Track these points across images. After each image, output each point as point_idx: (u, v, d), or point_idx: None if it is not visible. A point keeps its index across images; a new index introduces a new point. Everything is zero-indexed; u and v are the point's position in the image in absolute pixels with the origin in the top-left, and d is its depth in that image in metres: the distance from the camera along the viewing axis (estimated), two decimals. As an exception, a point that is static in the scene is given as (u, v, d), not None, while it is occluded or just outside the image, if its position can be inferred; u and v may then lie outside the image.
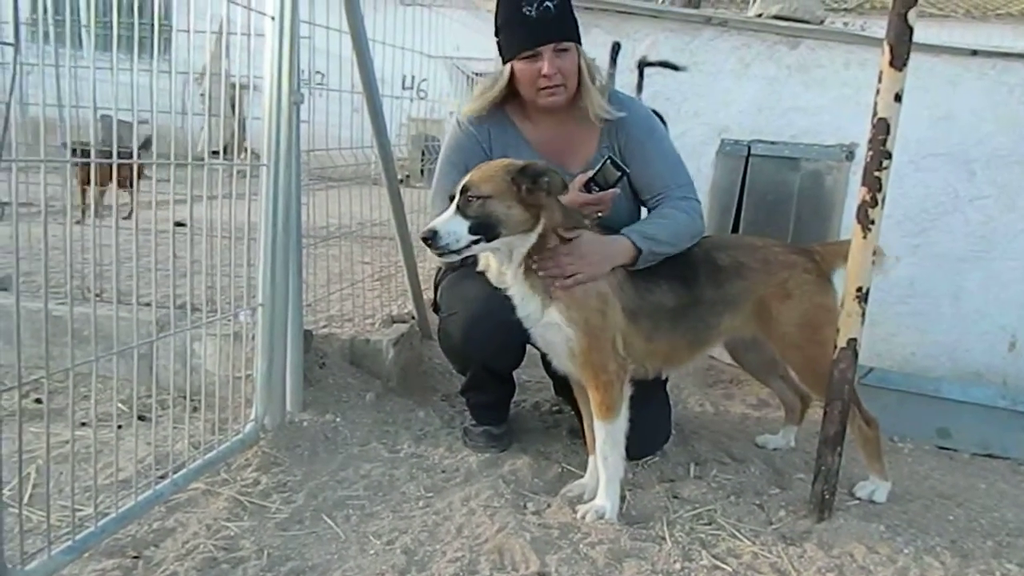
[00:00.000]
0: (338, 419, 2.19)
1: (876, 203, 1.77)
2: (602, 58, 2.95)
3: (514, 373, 2.21)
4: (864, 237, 1.79)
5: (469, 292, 1.99)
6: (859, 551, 1.72)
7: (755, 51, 2.95)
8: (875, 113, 1.74)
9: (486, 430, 2.16)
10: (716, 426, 2.50)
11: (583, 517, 1.78)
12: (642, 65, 2.98)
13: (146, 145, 3.49)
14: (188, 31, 1.83)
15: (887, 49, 1.71)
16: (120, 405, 2.09)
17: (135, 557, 1.53)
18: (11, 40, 1.30)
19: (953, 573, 1.67)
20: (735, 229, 3.02)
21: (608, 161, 1.91)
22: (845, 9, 11.55)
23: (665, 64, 2.98)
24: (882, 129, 1.74)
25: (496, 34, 2.00)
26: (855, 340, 1.81)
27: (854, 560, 1.69)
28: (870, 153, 1.76)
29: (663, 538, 1.73)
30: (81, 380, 2.07)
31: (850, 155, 2.91)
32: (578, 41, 1.97)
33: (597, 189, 1.92)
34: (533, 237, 1.75)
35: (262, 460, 1.95)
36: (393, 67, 2.72)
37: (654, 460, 2.15)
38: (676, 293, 1.89)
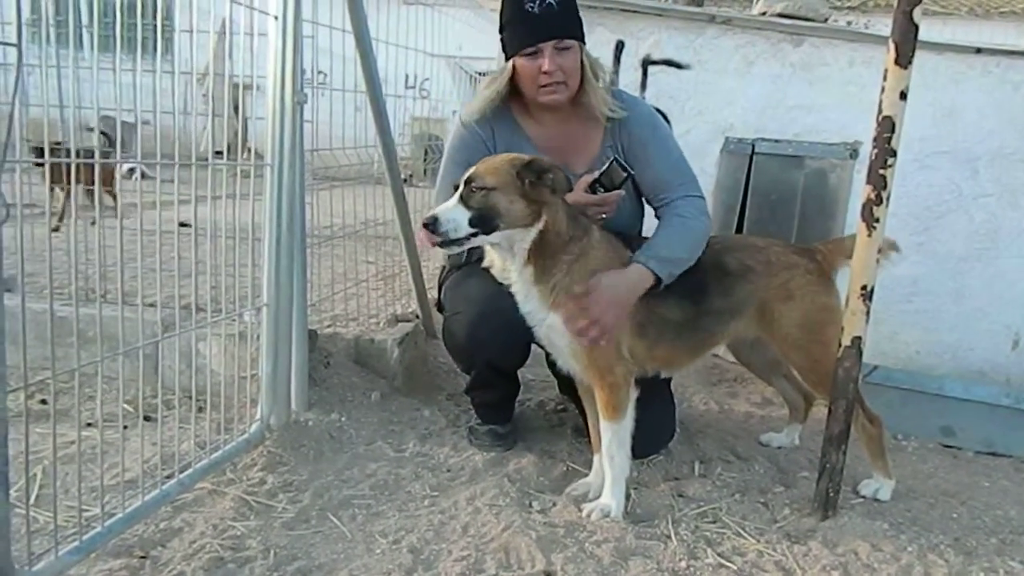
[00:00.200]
0: (343, 418, 2.20)
1: (881, 201, 1.77)
2: (606, 56, 2.95)
3: (519, 372, 2.21)
4: (869, 235, 1.78)
5: (473, 291, 1.99)
6: (863, 549, 1.72)
7: (759, 49, 2.95)
8: (880, 111, 1.73)
9: (491, 429, 2.16)
10: (721, 424, 2.50)
11: (589, 515, 1.79)
12: (646, 63, 2.98)
13: (111, 143, 3.47)
14: (191, 31, 1.83)
15: (892, 47, 1.71)
16: (125, 405, 2.09)
17: (142, 557, 1.53)
18: (13, 41, 1.30)
19: (957, 571, 1.67)
20: (739, 227, 3.01)
21: (613, 163, 1.90)
22: (849, 7, 11.52)
23: (669, 62, 2.98)
24: (887, 127, 1.73)
25: (500, 31, 2.00)
26: (859, 339, 1.81)
27: (858, 558, 1.70)
28: (875, 151, 1.75)
29: (668, 536, 1.74)
30: (86, 381, 2.07)
31: (854, 153, 2.91)
32: (581, 39, 1.97)
33: (602, 190, 1.91)
34: (533, 233, 1.75)
35: (268, 460, 1.95)
36: (396, 66, 2.73)
37: (659, 458, 2.15)
38: (683, 307, 1.89)
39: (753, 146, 2.98)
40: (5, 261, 1.20)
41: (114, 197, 3.74)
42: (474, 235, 1.70)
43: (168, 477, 1.72)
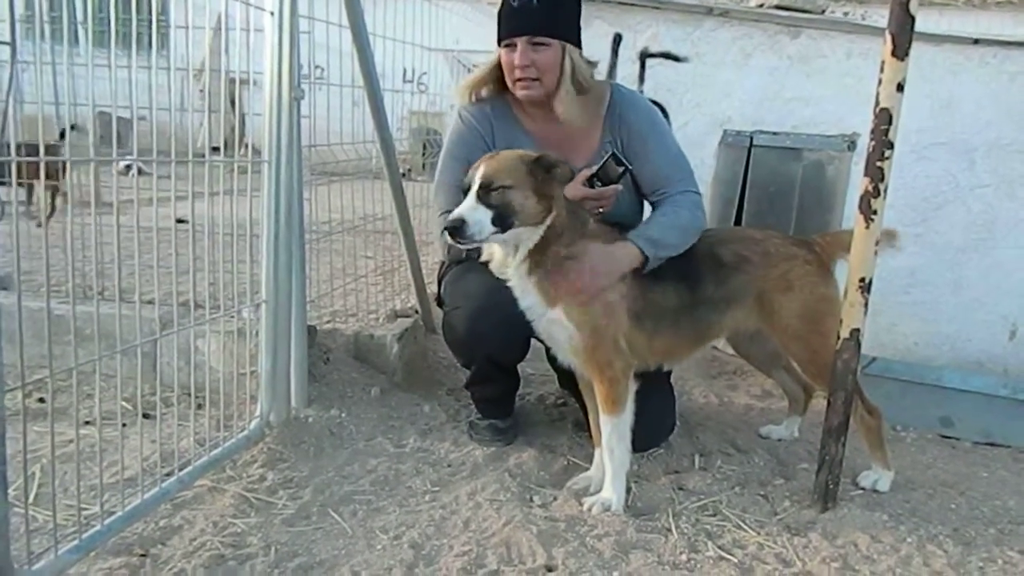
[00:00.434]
0: (343, 414, 2.20)
1: (878, 193, 1.76)
2: (604, 50, 2.94)
3: (519, 366, 2.21)
4: (867, 227, 1.78)
5: (473, 286, 1.99)
6: (863, 540, 1.73)
7: (756, 41, 2.94)
8: (877, 103, 1.73)
9: (491, 424, 2.16)
10: (721, 417, 2.51)
11: (589, 509, 1.79)
12: (644, 56, 2.97)
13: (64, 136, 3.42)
14: (186, 27, 1.82)
15: (889, 39, 1.70)
16: (124, 403, 2.08)
17: (142, 555, 1.53)
18: (7, 39, 1.29)
19: (956, 561, 1.68)
20: (738, 220, 3.01)
21: (611, 157, 1.90)
22: (845, -2, 11.46)
23: (667, 55, 2.97)
24: (884, 119, 1.73)
25: None
26: (858, 331, 1.81)
27: (858, 549, 1.70)
28: (872, 143, 1.75)
29: (669, 529, 1.74)
30: (84, 379, 2.07)
31: (852, 145, 2.90)
32: (567, 39, 1.95)
33: (600, 184, 1.91)
34: (542, 230, 1.75)
35: (268, 456, 1.95)
36: (394, 61, 2.71)
37: (659, 452, 2.16)
38: (679, 294, 1.90)
39: (751, 138, 2.97)
40: (0, 259, 1.20)
41: (63, 195, 3.71)
42: (493, 234, 1.70)
43: (168, 475, 1.72)
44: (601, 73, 2.70)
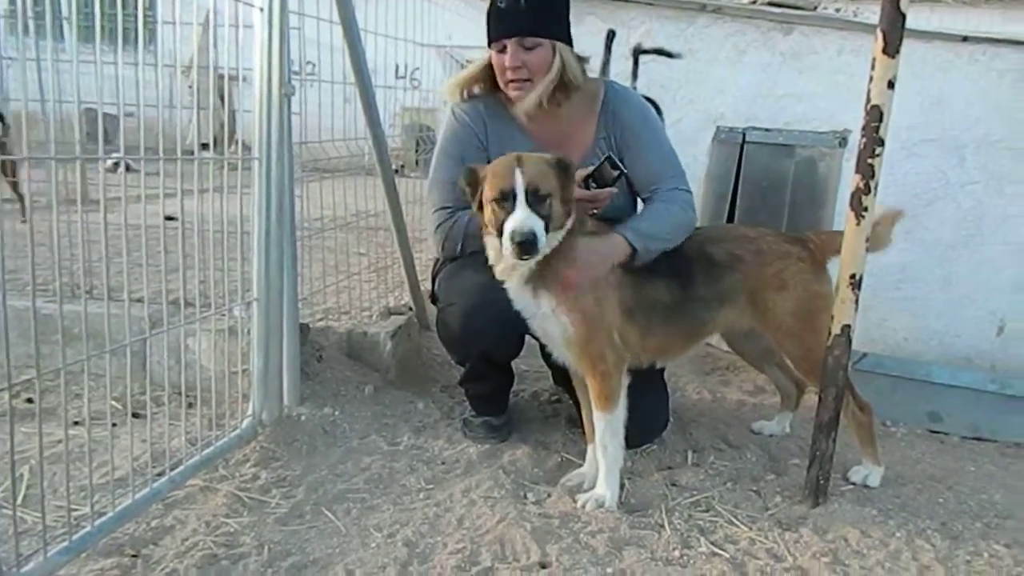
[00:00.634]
0: (337, 412, 2.19)
1: (869, 190, 1.77)
2: (597, 46, 2.93)
3: (513, 363, 2.21)
4: (858, 224, 1.79)
5: (467, 282, 1.98)
6: (853, 535, 1.74)
7: (749, 38, 2.94)
8: (868, 100, 1.74)
9: (485, 421, 2.16)
10: (713, 413, 2.52)
11: (583, 506, 1.80)
12: (637, 53, 2.97)
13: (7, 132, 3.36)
14: (174, 23, 1.80)
15: (880, 36, 1.71)
16: (114, 403, 2.07)
17: (134, 555, 1.52)
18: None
19: (944, 555, 1.70)
20: (730, 216, 3.02)
21: (607, 161, 1.90)
22: (836, -6, 11.49)
23: (660, 51, 2.97)
24: (875, 116, 1.74)
25: None
26: (849, 327, 1.82)
27: (848, 544, 1.72)
28: (863, 140, 1.76)
29: (662, 526, 1.75)
30: (73, 378, 2.05)
31: (843, 141, 2.92)
32: (557, 37, 1.94)
33: (595, 186, 1.91)
34: (562, 234, 1.75)
35: (260, 455, 1.94)
36: (386, 57, 2.69)
37: (652, 448, 2.17)
38: (671, 290, 1.90)
39: (744, 135, 2.98)
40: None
41: (15, 189, 3.65)
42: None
43: (159, 474, 1.71)
44: (594, 70, 2.70)
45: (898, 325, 3.00)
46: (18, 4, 1.78)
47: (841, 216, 1.89)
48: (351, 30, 2.29)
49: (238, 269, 1.99)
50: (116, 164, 1.69)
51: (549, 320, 1.81)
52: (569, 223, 1.75)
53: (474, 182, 1.75)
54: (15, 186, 3.69)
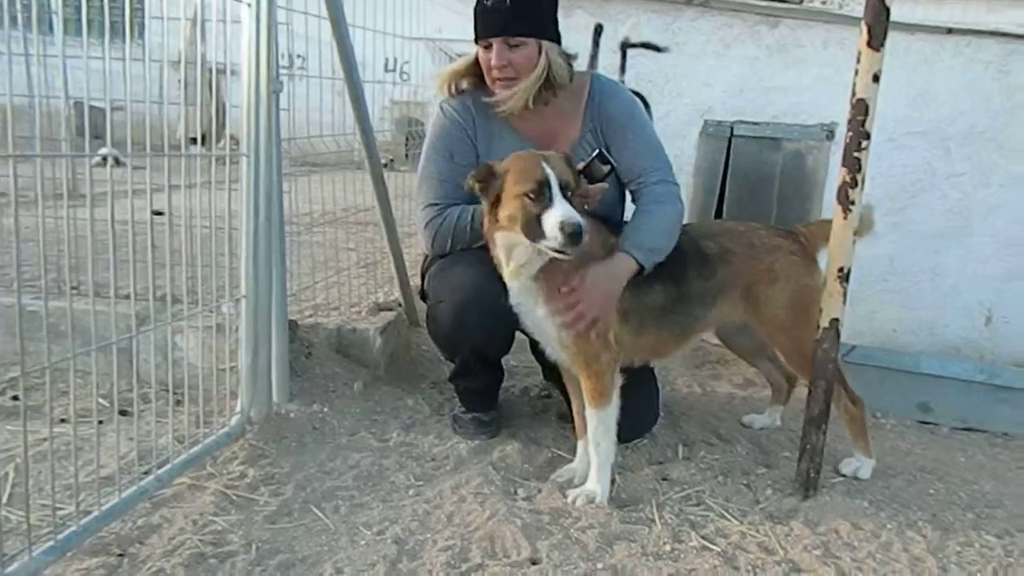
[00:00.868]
0: (326, 409, 2.18)
1: (856, 184, 1.78)
2: (585, 39, 2.93)
3: (503, 359, 2.20)
4: (845, 218, 1.80)
5: (457, 279, 1.97)
6: (844, 527, 1.75)
7: (736, 31, 2.94)
8: (854, 94, 1.74)
9: (475, 417, 2.16)
10: (704, 407, 2.52)
11: (574, 502, 1.79)
12: (624, 46, 2.97)
13: None
14: (162, 17, 1.78)
15: (864, 29, 1.71)
16: (101, 400, 2.05)
17: (120, 555, 1.50)
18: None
19: (934, 546, 1.71)
20: (719, 210, 3.03)
21: (597, 157, 1.90)
22: (824, -12, 11.54)
23: (647, 45, 2.97)
24: (861, 110, 1.74)
25: None
26: (837, 320, 1.83)
27: (839, 536, 1.72)
28: (849, 134, 1.76)
29: (653, 520, 1.75)
30: (59, 376, 2.03)
31: (830, 134, 2.93)
32: (543, 35, 1.93)
33: (586, 182, 1.91)
34: None
35: (249, 453, 1.93)
36: (375, 50, 2.67)
37: (643, 442, 2.17)
38: (666, 291, 1.90)
39: (732, 128, 2.98)
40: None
41: None
42: None
43: (146, 473, 1.69)
44: (582, 63, 2.70)
45: (888, 317, 3.01)
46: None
47: (829, 209, 1.89)
48: (339, 24, 2.28)
49: (226, 265, 1.97)
50: (105, 158, 1.67)
51: (546, 320, 1.80)
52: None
53: (489, 178, 1.72)
54: None
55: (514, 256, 1.76)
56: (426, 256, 2.21)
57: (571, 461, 1.99)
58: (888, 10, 1.70)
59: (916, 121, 2.90)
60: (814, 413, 1.87)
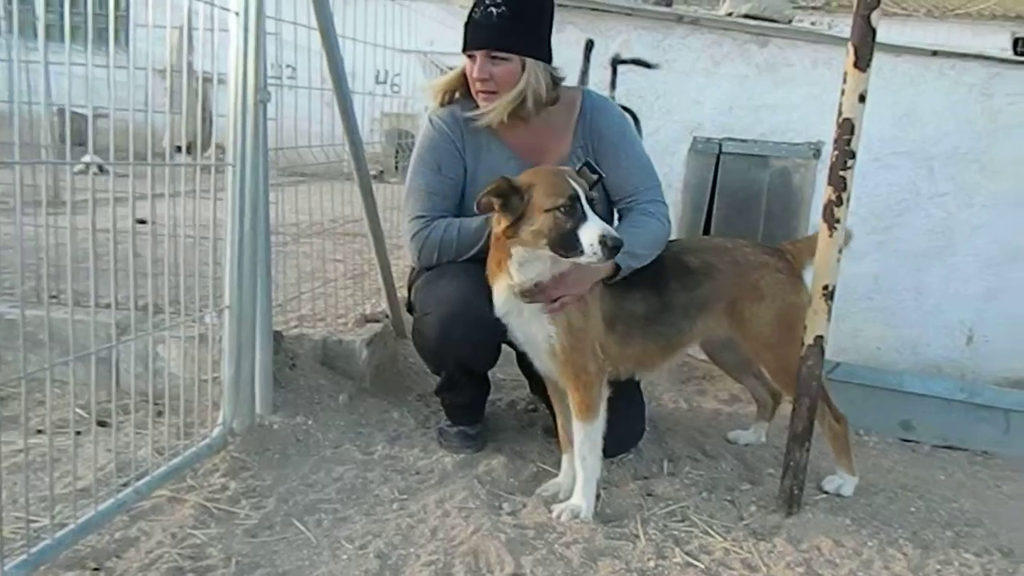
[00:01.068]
0: (310, 421, 2.16)
1: (841, 202, 1.80)
2: (576, 55, 2.95)
3: (489, 372, 2.20)
4: (830, 236, 1.82)
5: (444, 291, 1.97)
6: (826, 545, 1.75)
7: (726, 49, 2.98)
8: (840, 113, 1.76)
9: (461, 430, 2.15)
10: (689, 422, 2.52)
11: (558, 517, 1.78)
12: (615, 62, 2.99)
13: None
14: (147, 25, 1.77)
15: (851, 50, 1.74)
16: (78, 411, 2.01)
17: (96, 569, 1.48)
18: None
19: (915, 564, 1.72)
20: (707, 226, 3.05)
21: (585, 166, 1.91)
22: (813, 7, 11.76)
23: (638, 62, 2.99)
24: (847, 129, 1.76)
25: None
26: (822, 337, 1.84)
27: (821, 554, 1.73)
28: (835, 153, 1.78)
29: (637, 536, 1.74)
30: (36, 386, 1.99)
31: (817, 153, 2.96)
32: (528, 53, 1.93)
33: None
34: None
35: (230, 465, 1.90)
36: (365, 62, 2.68)
37: (628, 457, 2.16)
38: (648, 300, 1.91)
39: (720, 145, 3.01)
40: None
41: None
42: None
43: (124, 485, 1.66)
44: (573, 79, 2.71)
45: (871, 335, 3.04)
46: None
47: (815, 227, 1.91)
48: (329, 35, 2.28)
49: (210, 275, 1.95)
50: (88, 166, 1.66)
51: (534, 325, 1.80)
52: None
53: (511, 193, 1.70)
54: None
55: (526, 271, 1.75)
56: (413, 268, 2.20)
57: (557, 475, 1.99)
58: (874, 32, 1.73)
59: (901, 141, 2.94)
60: (798, 430, 1.88)
